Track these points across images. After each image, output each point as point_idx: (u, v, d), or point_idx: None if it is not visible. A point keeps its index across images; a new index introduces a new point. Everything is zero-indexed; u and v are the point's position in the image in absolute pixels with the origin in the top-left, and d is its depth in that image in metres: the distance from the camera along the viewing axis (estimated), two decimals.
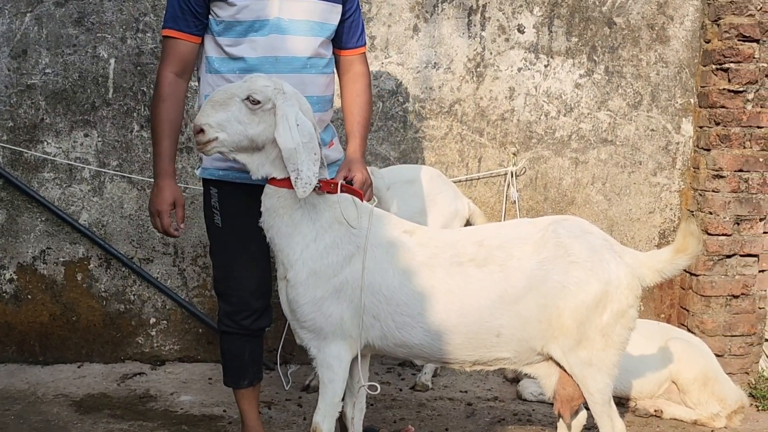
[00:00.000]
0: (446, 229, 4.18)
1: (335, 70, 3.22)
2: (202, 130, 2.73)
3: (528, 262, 2.76)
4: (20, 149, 4.44)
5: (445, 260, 2.79)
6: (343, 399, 2.90)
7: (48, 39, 4.41)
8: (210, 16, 2.99)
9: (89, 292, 4.58)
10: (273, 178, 2.78)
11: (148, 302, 4.62)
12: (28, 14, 4.38)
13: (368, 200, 2.97)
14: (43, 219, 4.52)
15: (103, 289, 4.59)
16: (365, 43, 3.24)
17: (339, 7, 3.08)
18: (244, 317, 3.20)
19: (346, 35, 3.16)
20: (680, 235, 2.83)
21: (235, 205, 3.11)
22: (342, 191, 2.82)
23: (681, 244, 2.82)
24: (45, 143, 4.47)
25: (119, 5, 4.43)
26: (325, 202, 2.83)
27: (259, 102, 2.70)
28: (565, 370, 2.86)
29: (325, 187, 2.81)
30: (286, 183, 2.74)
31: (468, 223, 4.38)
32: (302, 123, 2.70)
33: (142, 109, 4.51)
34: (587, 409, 3.00)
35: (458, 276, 2.76)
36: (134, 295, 4.61)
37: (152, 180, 4.50)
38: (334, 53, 3.17)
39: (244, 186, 3.03)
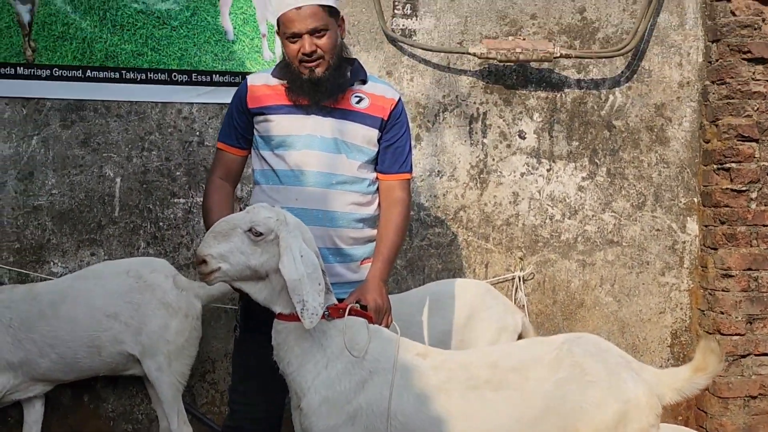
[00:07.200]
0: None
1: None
2: (204, 261, 2.72)
3: (544, 384, 2.72)
4: (26, 271, 4.42)
5: (460, 384, 2.74)
6: None
7: (54, 161, 4.45)
8: (254, 131, 3.17)
9: (96, 413, 4.49)
10: (280, 314, 2.76)
11: (155, 422, 4.52)
12: (35, 137, 4.43)
13: (386, 326, 2.93)
14: None
15: (110, 410, 4.51)
16: (410, 170, 3.20)
17: (375, 132, 3.11)
18: None
19: (389, 160, 3.15)
20: (700, 354, 2.78)
21: (255, 319, 3.06)
22: (351, 315, 2.80)
23: (701, 363, 2.77)
24: (51, 263, 4.46)
25: (125, 125, 4.48)
26: (335, 327, 2.79)
27: (261, 234, 2.70)
28: None
29: (333, 313, 2.79)
30: (293, 317, 2.71)
31: (521, 338, 4.21)
32: (306, 254, 2.68)
33: (148, 226, 4.52)
34: None
35: (474, 400, 2.71)
36: (142, 414, 4.53)
37: None
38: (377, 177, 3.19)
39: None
